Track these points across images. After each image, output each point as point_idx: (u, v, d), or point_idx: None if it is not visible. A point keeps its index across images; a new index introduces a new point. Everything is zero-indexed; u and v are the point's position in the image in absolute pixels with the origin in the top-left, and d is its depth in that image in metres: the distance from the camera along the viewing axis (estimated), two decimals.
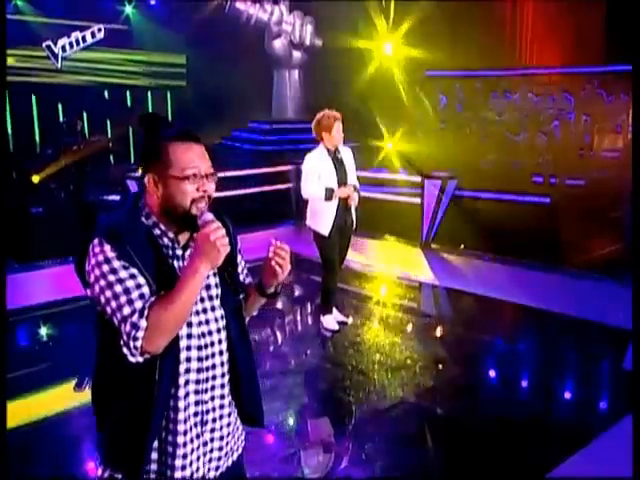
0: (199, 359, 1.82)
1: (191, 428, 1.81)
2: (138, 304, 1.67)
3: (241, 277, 2.03)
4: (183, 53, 14.31)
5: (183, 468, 1.81)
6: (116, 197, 9.60)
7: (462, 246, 8.15)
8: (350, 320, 5.69)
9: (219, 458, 1.91)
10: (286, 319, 5.90)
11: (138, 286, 1.70)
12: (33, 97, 12.64)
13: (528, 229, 7.88)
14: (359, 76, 13.26)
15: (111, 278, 1.69)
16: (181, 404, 1.79)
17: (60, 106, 12.72)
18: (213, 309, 1.86)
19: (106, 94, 13.74)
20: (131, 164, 11.91)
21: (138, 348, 1.66)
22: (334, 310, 5.55)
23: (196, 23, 12.94)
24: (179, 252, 1.82)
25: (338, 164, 5.27)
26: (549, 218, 8.36)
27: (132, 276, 1.70)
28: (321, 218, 5.26)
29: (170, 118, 14.51)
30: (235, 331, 1.91)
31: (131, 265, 1.70)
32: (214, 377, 1.86)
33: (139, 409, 1.74)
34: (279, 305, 6.20)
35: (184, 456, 1.80)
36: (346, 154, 5.36)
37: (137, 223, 1.79)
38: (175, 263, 1.81)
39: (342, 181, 5.24)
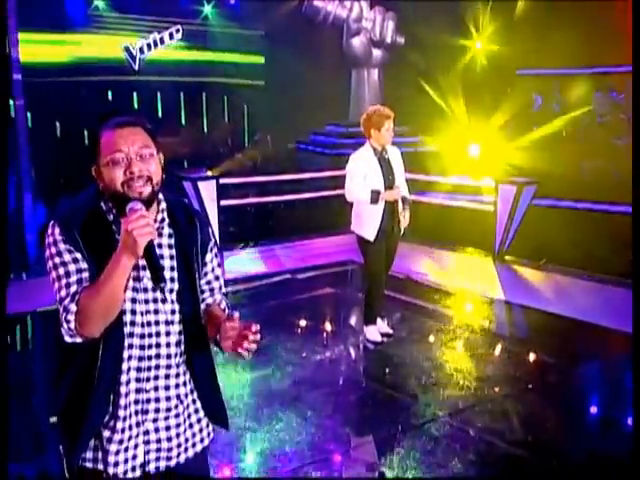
0: (141, 347, 1.91)
1: (131, 415, 1.91)
2: (73, 288, 1.82)
3: (205, 278, 2.08)
4: (261, 53, 14.67)
5: (117, 453, 1.91)
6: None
7: (543, 260, 7.84)
8: (399, 333, 5.60)
9: (169, 449, 1.98)
10: (329, 326, 5.89)
11: (78, 270, 1.83)
12: (110, 96, 13.34)
13: (621, 244, 7.44)
14: (444, 76, 13.07)
15: (56, 260, 1.84)
16: (122, 389, 1.90)
17: (136, 106, 13.34)
18: (164, 301, 1.94)
19: (182, 95, 14.30)
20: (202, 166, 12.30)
21: (71, 330, 1.80)
22: (379, 321, 5.49)
23: (274, 22, 13.24)
24: None
25: (385, 165, 5.23)
26: None
27: (74, 260, 1.84)
28: (366, 222, 5.22)
29: (246, 119, 14.96)
30: (190, 328, 1.99)
31: (76, 249, 1.83)
32: (157, 367, 1.94)
33: (82, 389, 1.86)
34: (326, 313, 6.23)
35: (120, 441, 1.91)
36: (394, 154, 5.30)
37: (93, 208, 1.91)
38: None
39: (389, 183, 5.19)
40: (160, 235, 1.94)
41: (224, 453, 3.75)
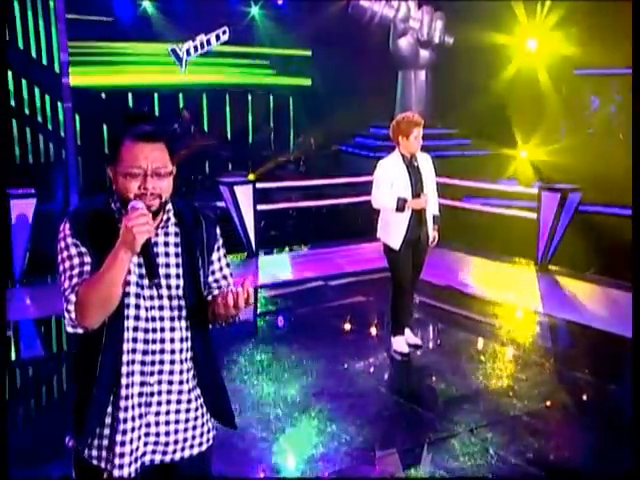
0: (145, 341, 2.03)
1: (133, 407, 2.02)
2: (74, 280, 1.94)
3: (212, 277, 2.18)
4: (308, 54, 14.80)
5: (122, 444, 2.01)
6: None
7: (592, 270, 7.69)
8: (430, 344, 5.60)
9: (166, 444, 2.09)
10: (357, 336, 5.93)
11: (82, 264, 1.96)
12: (155, 98, 13.68)
13: None
14: (495, 77, 12.91)
15: (63, 254, 1.99)
16: (124, 381, 2.01)
17: (180, 108, 13.64)
18: (170, 298, 2.05)
19: (227, 96, 14.55)
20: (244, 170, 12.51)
21: (73, 320, 1.93)
22: (407, 331, 5.50)
23: (320, 23, 13.35)
24: None
25: (414, 172, 5.23)
26: None
27: (80, 254, 1.97)
28: (392, 230, 5.24)
29: (291, 120, 15.13)
30: (195, 324, 2.10)
31: (82, 244, 1.97)
32: (162, 362, 2.05)
33: (87, 380, 2.00)
34: (355, 322, 6.27)
35: (124, 432, 2.01)
36: (424, 162, 5.30)
37: (102, 206, 2.05)
38: None
39: (417, 191, 5.19)
40: (166, 234, 2.06)
41: (239, 459, 3.84)
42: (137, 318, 2.01)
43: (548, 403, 4.64)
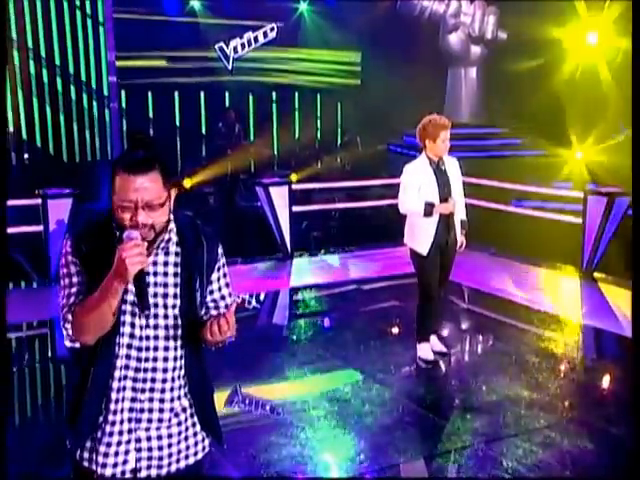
0: (138, 359, 2.12)
1: (122, 421, 2.13)
2: (71, 299, 2.08)
3: (210, 297, 2.25)
4: (356, 51, 14.86)
5: (106, 455, 2.13)
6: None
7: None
8: (458, 351, 5.59)
9: (160, 458, 2.18)
10: (385, 342, 5.96)
11: (80, 283, 2.08)
12: (202, 98, 13.97)
13: None
14: (551, 74, 12.68)
15: (63, 270, 2.11)
16: (114, 395, 2.12)
17: (227, 107, 13.87)
18: (166, 317, 2.14)
19: (274, 94, 14.73)
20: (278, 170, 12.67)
21: (69, 336, 2.08)
22: (432, 338, 5.51)
23: (369, 19, 13.39)
24: None
25: (441, 176, 5.24)
26: None
27: (78, 273, 2.09)
28: (419, 236, 5.25)
29: (339, 119, 15.21)
30: (188, 344, 2.18)
31: (81, 263, 2.08)
32: (153, 380, 2.14)
33: (79, 392, 2.13)
34: (386, 328, 6.31)
35: (108, 444, 2.13)
36: (451, 165, 5.31)
37: (104, 226, 2.11)
38: None
39: (445, 195, 5.20)
40: (167, 253, 2.14)
41: (251, 462, 3.95)
42: (132, 336, 2.11)
43: (572, 417, 4.58)
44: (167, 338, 2.14)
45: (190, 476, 2.26)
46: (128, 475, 2.14)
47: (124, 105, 13.01)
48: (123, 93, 13.00)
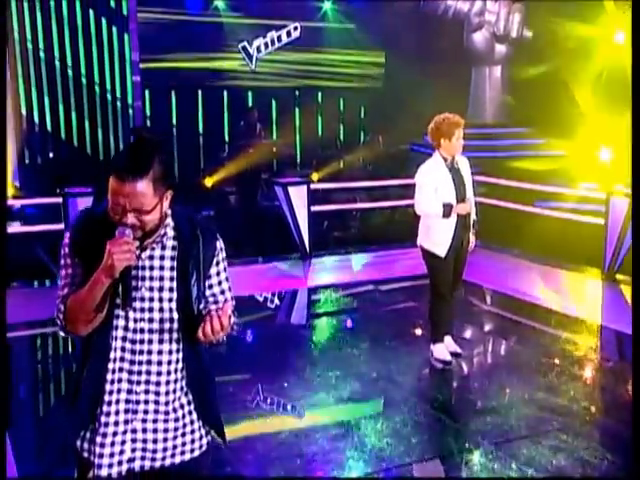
0: (132, 352, 2.17)
1: (118, 412, 2.18)
2: (65, 290, 2.15)
3: (209, 291, 2.28)
4: (379, 50, 14.84)
5: (102, 445, 2.18)
6: None
7: None
8: (474, 352, 5.59)
9: (154, 450, 2.22)
10: (400, 343, 5.97)
11: (74, 275, 2.16)
12: (225, 97, 14.06)
13: None
14: (579, 73, 12.54)
15: (61, 262, 2.20)
16: (108, 387, 2.17)
17: (250, 107, 13.95)
18: (161, 310, 2.18)
19: (296, 94, 14.76)
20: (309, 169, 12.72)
21: (62, 327, 2.15)
22: (446, 339, 5.51)
23: (391, 18, 13.37)
24: None
25: (457, 176, 5.24)
26: None
27: (74, 265, 2.16)
28: (437, 237, 5.23)
29: (362, 119, 15.21)
30: (185, 337, 2.22)
31: (77, 255, 2.16)
32: (148, 372, 2.19)
33: (77, 383, 2.21)
34: (402, 329, 6.32)
35: (104, 434, 2.18)
36: (463, 164, 5.31)
37: (103, 219, 2.15)
38: None
39: (461, 195, 5.20)
40: (163, 247, 2.19)
41: (261, 461, 4.01)
42: (126, 329, 2.16)
43: (586, 421, 4.56)
44: (162, 331, 2.18)
45: (182, 472, 2.27)
46: (125, 465, 2.19)
47: (147, 104, 13.15)
48: (147, 92, 13.15)
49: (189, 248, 2.20)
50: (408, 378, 5.24)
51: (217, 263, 2.28)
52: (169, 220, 2.20)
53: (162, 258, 2.18)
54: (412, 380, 5.24)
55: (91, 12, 12.34)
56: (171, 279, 2.18)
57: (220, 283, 2.30)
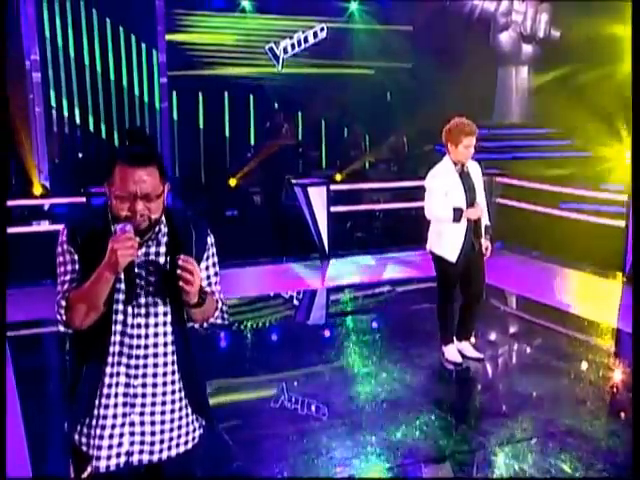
0: (130, 346, 2.28)
1: (116, 405, 2.29)
2: (66, 286, 2.24)
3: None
4: (407, 50, 14.85)
5: (101, 437, 2.29)
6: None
7: None
8: (489, 354, 5.68)
9: (152, 443, 2.33)
10: (413, 344, 6.06)
11: (73, 271, 2.25)
12: (251, 98, 14.22)
13: None
14: (607, 74, 12.44)
15: (59, 259, 2.28)
16: (107, 380, 2.28)
17: (276, 108, 14.10)
18: (156, 305, 2.30)
19: (322, 95, 14.83)
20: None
21: (62, 322, 2.23)
22: (464, 344, 5.58)
23: (418, 17, 13.40)
24: None
25: (466, 181, 5.27)
26: None
27: (72, 261, 2.26)
28: (447, 242, 5.28)
29: (387, 120, 15.24)
30: (177, 330, 2.34)
31: (76, 252, 2.25)
32: (146, 366, 2.30)
33: (75, 376, 2.31)
34: (416, 330, 6.41)
35: (102, 427, 2.29)
36: (474, 169, 5.36)
37: (100, 216, 2.29)
38: None
39: (471, 200, 5.23)
40: (158, 244, 2.31)
41: (265, 457, 4.13)
42: (124, 324, 2.26)
43: (595, 424, 4.60)
44: (157, 325, 2.29)
45: (182, 466, 2.40)
46: (123, 457, 2.30)
47: (175, 105, 13.39)
48: (174, 93, 13.38)
49: (182, 244, 2.31)
50: (419, 379, 5.31)
51: (207, 258, 2.40)
52: (163, 217, 2.31)
53: (157, 255, 2.29)
54: (424, 381, 5.31)
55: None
56: (165, 275, 2.28)
57: (209, 277, 2.42)
